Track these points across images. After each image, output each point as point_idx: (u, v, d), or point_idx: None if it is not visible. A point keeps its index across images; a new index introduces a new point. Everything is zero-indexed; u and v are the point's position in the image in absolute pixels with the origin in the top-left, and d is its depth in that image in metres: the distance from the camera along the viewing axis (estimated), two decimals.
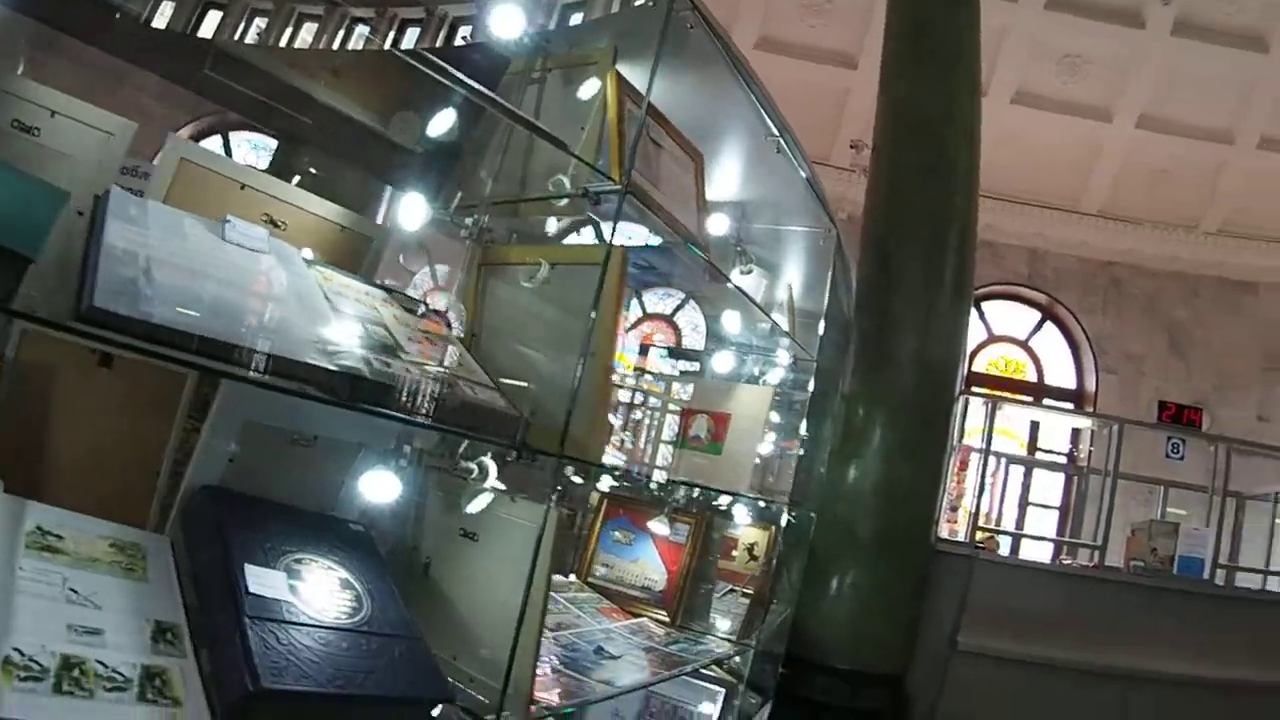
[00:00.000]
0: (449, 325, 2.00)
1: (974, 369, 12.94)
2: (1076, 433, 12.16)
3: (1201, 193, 12.70)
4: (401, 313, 1.96)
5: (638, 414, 4.70)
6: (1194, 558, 6.70)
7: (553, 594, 2.87)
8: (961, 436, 7.38)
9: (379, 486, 2.04)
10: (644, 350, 5.45)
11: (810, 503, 4.95)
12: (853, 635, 5.99)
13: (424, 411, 1.66)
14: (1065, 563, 8.01)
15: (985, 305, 13.34)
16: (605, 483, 3.25)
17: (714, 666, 3.51)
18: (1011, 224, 12.73)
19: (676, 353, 4.72)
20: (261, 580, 1.73)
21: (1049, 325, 13.45)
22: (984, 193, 11.95)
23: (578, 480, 3.33)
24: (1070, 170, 12.63)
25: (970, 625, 6.26)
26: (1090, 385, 12.85)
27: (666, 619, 2.99)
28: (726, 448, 3.03)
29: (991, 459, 8.45)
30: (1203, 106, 11.99)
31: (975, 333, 13.10)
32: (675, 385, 4.82)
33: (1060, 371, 13.33)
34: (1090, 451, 10.55)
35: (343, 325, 1.73)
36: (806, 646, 5.95)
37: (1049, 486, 11.59)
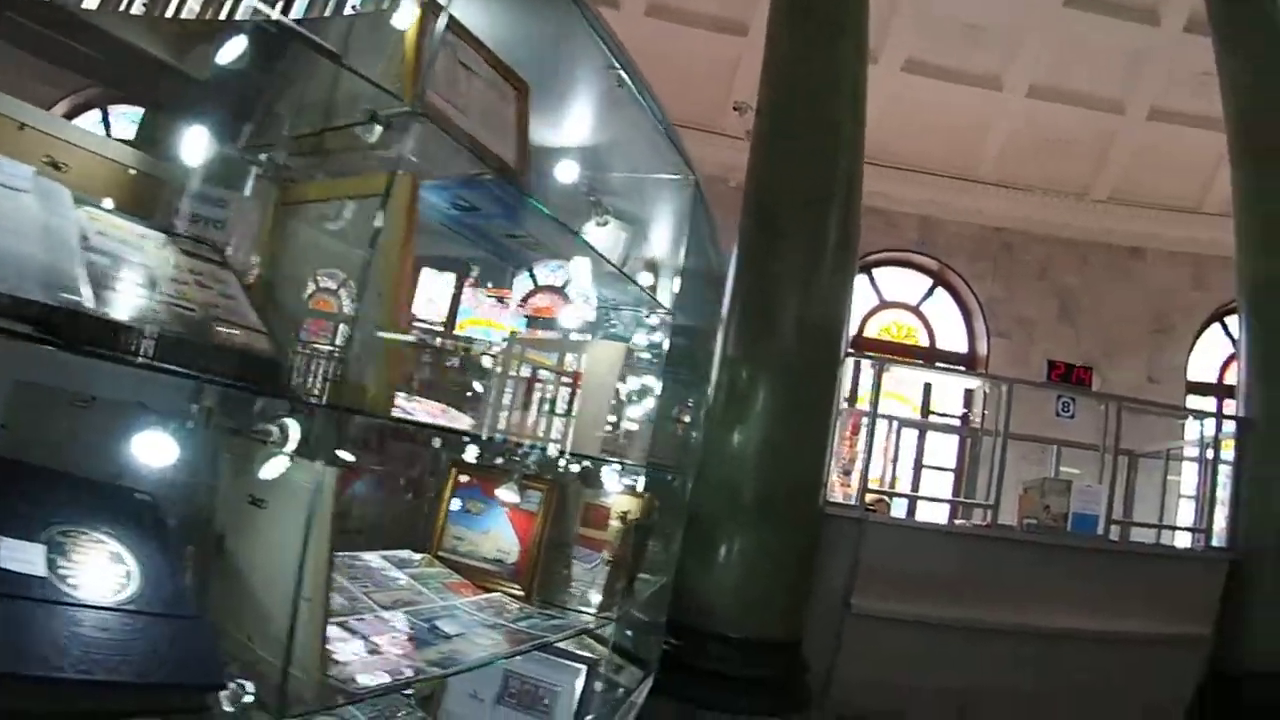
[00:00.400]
0: (226, 266, 1.80)
1: (865, 335, 13.01)
2: (969, 396, 12.44)
3: (1092, 161, 12.93)
4: (180, 256, 1.77)
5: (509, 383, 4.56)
6: (1088, 514, 6.79)
7: (394, 571, 2.71)
8: (853, 401, 7.36)
9: (164, 451, 1.84)
10: (532, 323, 5.25)
11: (687, 467, 4.81)
12: (742, 602, 5.89)
13: (161, 355, 1.47)
14: (959, 523, 8.04)
15: (877, 272, 13.40)
16: (471, 452, 3.09)
17: (588, 641, 3.39)
18: (903, 192, 12.75)
19: (534, 321, 4.50)
20: (16, 554, 1.53)
21: (940, 291, 13.55)
22: (876, 161, 12.13)
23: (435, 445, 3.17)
24: (962, 138, 12.69)
25: (863, 588, 6.25)
26: (982, 349, 12.99)
27: (520, 593, 2.82)
28: (577, 408, 2.88)
29: (886, 423, 8.51)
30: (1094, 77, 12.13)
31: (866, 299, 13.29)
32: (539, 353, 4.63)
33: (952, 336, 13.45)
34: (984, 414, 10.75)
35: (92, 263, 1.53)
36: (698, 615, 5.85)
37: (944, 449, 11.66)
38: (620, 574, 3.15)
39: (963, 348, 13.29)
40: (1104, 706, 6.57)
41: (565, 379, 2.90)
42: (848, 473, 6.97)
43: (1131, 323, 13.12)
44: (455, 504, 3.01)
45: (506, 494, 2.84)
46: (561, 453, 2.93)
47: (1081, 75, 12.13)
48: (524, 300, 3.45)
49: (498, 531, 2.91)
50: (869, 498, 6.87)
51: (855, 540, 6.28)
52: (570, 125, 3.00)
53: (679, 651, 5.75)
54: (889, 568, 6.28)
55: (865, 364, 7.32)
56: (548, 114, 2.87)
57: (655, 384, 3.96)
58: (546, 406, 2.88)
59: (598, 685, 3.43)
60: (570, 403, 2.87)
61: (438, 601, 2.60)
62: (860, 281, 12.99)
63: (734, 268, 6.37)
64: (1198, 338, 13.61)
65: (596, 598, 3.10)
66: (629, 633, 4.06)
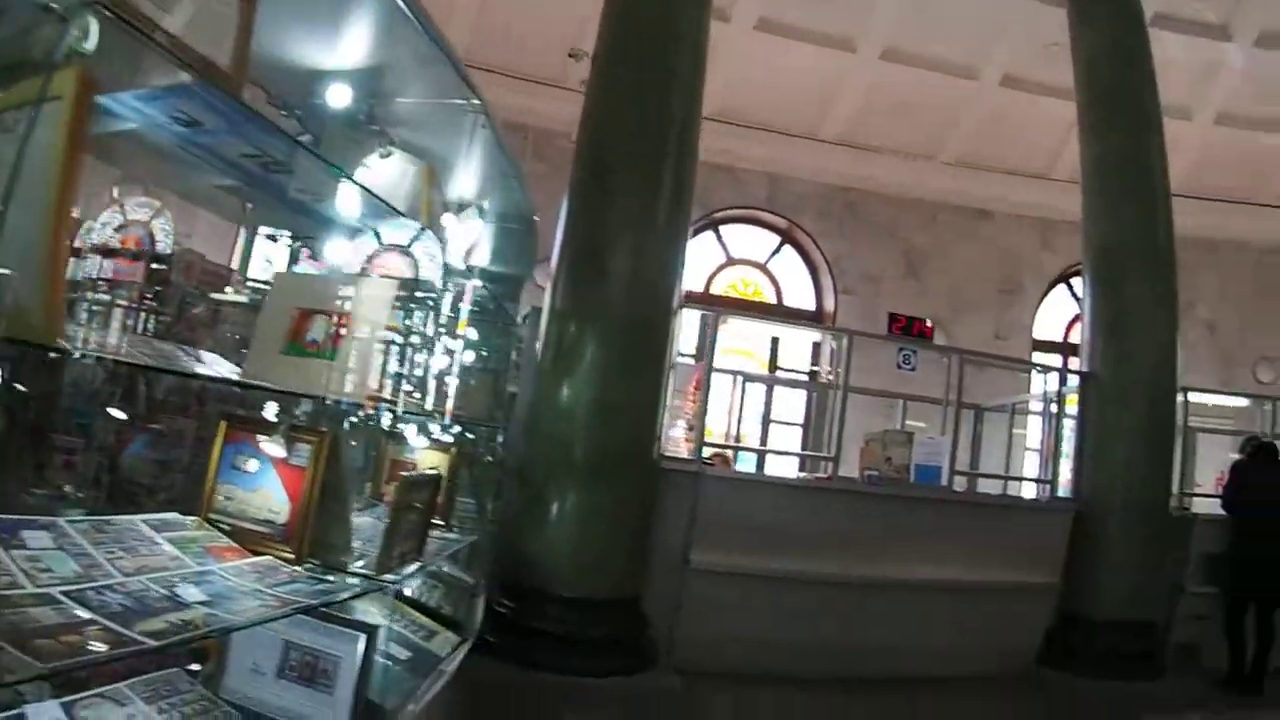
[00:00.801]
0: None
1: (712, 292, 12.92)
2: (817, 351, 12.55)
3: (943, 125, 13.05)
4: None
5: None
6: (930, 466, 6.88)
7: (152, 535, 2.45)
8: (700, 356, 7.26)
9: None
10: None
11: (500, 421, 4.63)
12: (577, 561, 5.79)
13: None
14: (800, 475, 8.05)
15: (724, 229, 13.30)
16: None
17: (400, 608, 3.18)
18: (752, 150, 12.67)
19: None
20: None
21: (788, 248, 13.54)
22: (725, 118, 12.13)
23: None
24: (814, 99, 12.62)
25: (702, 543, 6.18)
26: (829, 306, 13.08)
27: (290, 555, 2.59)
28: (344, 351, 2.64)
29: (731, 377, 8.45)
30: (949, 43, 12.16)
31: (714, 256, 13.23)
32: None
33: (800, 293, 13.48)
34: (835, 372, 10.81)
35: None
36: (533, 575, 5.75)
37: (792, 404, 11.78)
38: (408, 532, 2.93)
39: (810, 305, 13.33)
40: (956, 655, 6.66)
41: (336, 320, 2.67)
42: (691, 428, 6.85)
43: (979, 282, 13.43)
44: (226, 461, 2.76)
45: (271, 447, 2.60)
46: (337, 403, 2.69)
47: (936, 40, 12.14)
48: (370, 260, 3.15)
49: (267, 489, 2.66)
50: (708, 452, 6.79)
51: (692, 494, 6.20)
52: (348, 49, 2.75)
53: (514, 613, 5.67)
54: (728, 522, 6.21)
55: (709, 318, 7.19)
56: (320, 34, 2.64)
57: (460, 334, 3.78)
58: (311, 349, 2.64)
59: (402, 653, 3.24)
60: (338, 347, 2.63)
61: (193, 567, 2.35)
62: (707, 238, 13.08)
63: (564, 217, 6.21)
64: (1044, 297, 14.03)
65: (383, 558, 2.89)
66: (440, 595, 3.89)
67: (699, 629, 6.11)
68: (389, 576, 2.76)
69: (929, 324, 7.39)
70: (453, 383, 3.73)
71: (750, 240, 13.50)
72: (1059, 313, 14.25)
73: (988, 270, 13.56)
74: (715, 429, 8.42)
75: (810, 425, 11.60)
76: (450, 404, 3.69)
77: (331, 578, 2.61)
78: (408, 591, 3.57)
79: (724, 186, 12.63)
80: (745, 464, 8.72)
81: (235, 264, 3.02)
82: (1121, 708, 6.50)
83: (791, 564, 6.26)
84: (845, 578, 6.37)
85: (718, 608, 6.11)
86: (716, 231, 13.24)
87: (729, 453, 7.60)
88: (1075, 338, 13.49)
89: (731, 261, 13.38)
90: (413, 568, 2.93)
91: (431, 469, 3.71)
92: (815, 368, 12.61)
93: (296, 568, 2.56)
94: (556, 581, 5.71)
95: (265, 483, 2.69)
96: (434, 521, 3.66)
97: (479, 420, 4.22)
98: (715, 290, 12.94)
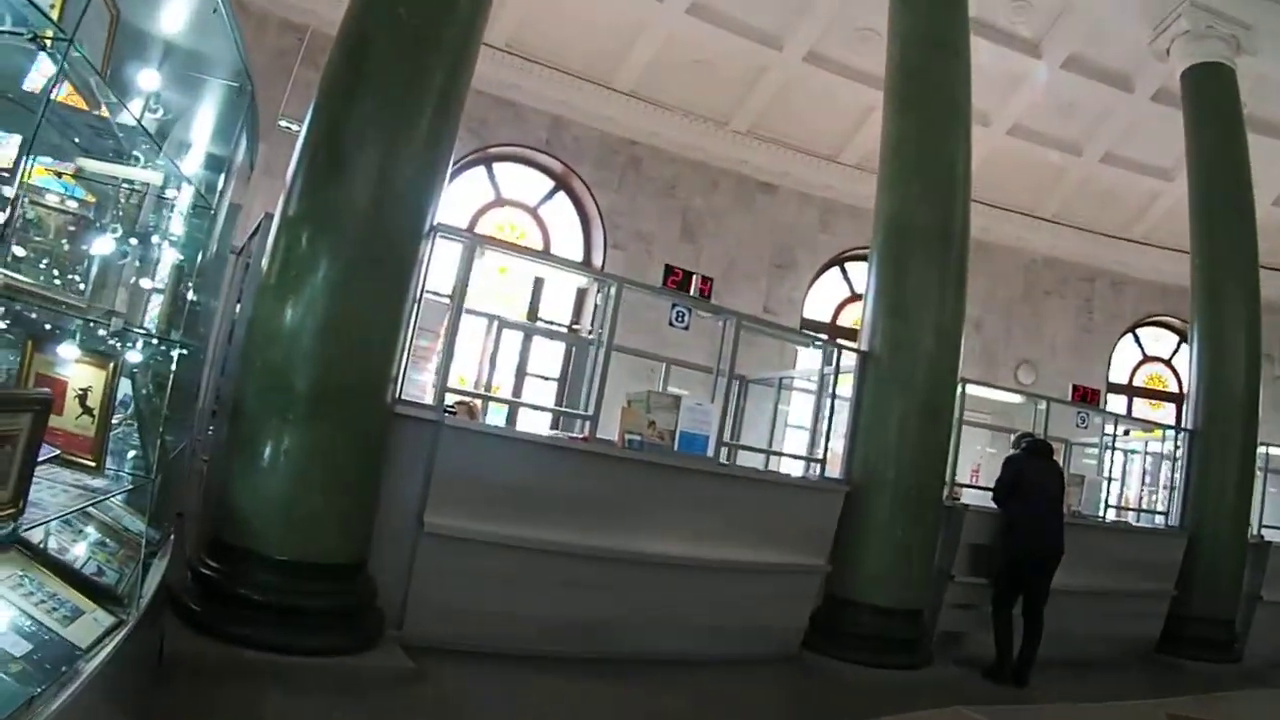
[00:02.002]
0: None
1: (477, 231, 12.07)
2: (580, 305, 12.32)
3: (739, 92, 12.79)
4: None
5: None
6: (697, 434, 6.44)
7: None
8: (455, 297, 6.42)
9: None
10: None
11: (185, 339, 3.69)
12: (290, 517, 4.89)
13: None
14: (553, 433, 7.36)
15: (497, 167, 12.57)
16: None
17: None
18: (538, 87, 12.03)
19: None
20: None
21: (561, 195, 12.94)
22: (514, 50, 11.31)
23: None
24: (610, 43, 12.02)
25: (440, 503, 5.44)
26: (597, 259, 12.59)
27: None
28: None
29: (487, 321, 7.68)
30: (759, 9, 11.82)
31: (484, 193, 12.55)
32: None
33: (568, 244, 12.91)
34: (600, 329, 10.24)
35: None
36: (241, 532, 4.83)
37: (550, 358, 11.18)
38: (11, 477, 2.01)
39: (578, 256, 12.76)
40: (717, 636, 6.36)
41: None
42: (438, 373, 6.01)
43: (754, 253, 13.37)
44: None
45: None
46: None
47: (747, 4, 11.77)
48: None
49: None
50: (452, 399, 5.98)
51: (430, 447, 5.44)
52: None
53: (219, 577, 4.78)
54: (471, 480, 5.51)
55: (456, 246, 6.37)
56: None
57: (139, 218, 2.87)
58: None
59: (18, 644, 2.26)
60: None
61: None
62: (479, 174, 12.38)
63: (310, 109, 5.31)
64: (817, 278, 14.10)
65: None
66: (101, 558, 2.93)
67: (433, 600, 5.40)
68: None
69: (708, 282, 6.84)
70: (119, 276, 2.80)
71: (524, 181, 12.79)
72: (830, 294, 14.40)
73: (763, 243, 13.49)
74: (466, 377, 7.65)
75: (568, 382, 11.01)
76: (111, 301, 2.76)
77: None
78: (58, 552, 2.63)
79: (504, 123, 11.95)
80: (496, 419, 7.95)
81: None
82: (886, 694, 6.27)
83: (542, 531, 5.65)
84: (600, 549, 5.83)
85: (455, 577, 5.41)
86: (489, 168, 12.48)
87: (477, 404, 6.80)
88: (844, 321, 14.10)
89: (501, 201, 12.64)
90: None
91: (84, 389, 2.79)
92: (577, 324, 12.08)
93: None
94: (266, 540, 4.79)
95: None
96: (81, 461, 2.75)
97: (153, 333, 3.29)
98: (482, 230, 12.03)
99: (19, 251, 2.49)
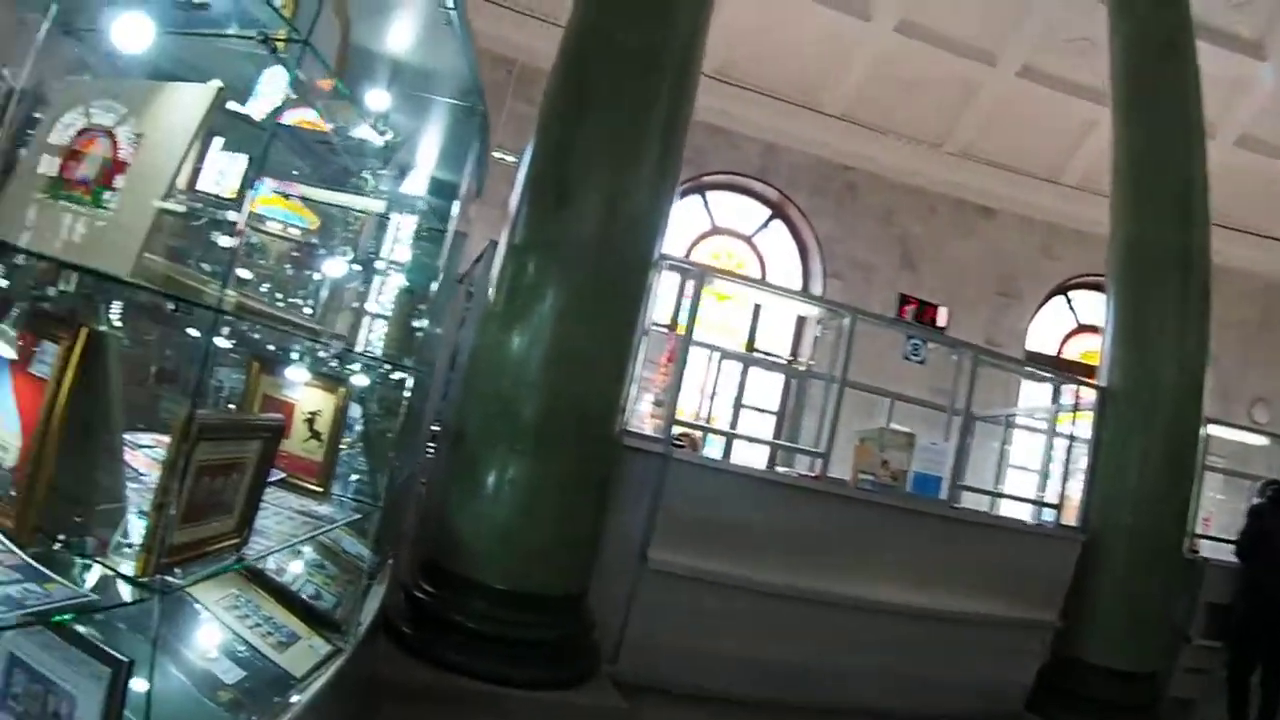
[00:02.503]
0: None
1: (693, 258, 11.97)
2: (798, 337, 12.02)
3: (953, 111, 12.25)
4: None
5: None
6: (930, 475, 6.07)
7: None
8: (674, 325, 6.29)
9: None
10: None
11: (421, 366, 3.63)
12: (512, 546, 4.78)
13: None
14: (783, 470, 7.10)
15: (712, 195, 12.42)
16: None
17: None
18: (750, 113, 11.81)
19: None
20: None
21: (777, 223, 12.67)
22: (724, 77, 11.16)
23: None
24: (820, 66, 11.72)
25: (664, 537, 5.31)
26: (816, 289, 12.20)
27: (9, 523, 1.56)
28: (123, 194, 1.61)
29: (707, 353, 7.53)
30: (968, 21, 11.33)
31: (699, 221, 12.41)
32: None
33: (785, 273, 12.59)
34: (817, 358, 9.95)
35: None
36: (460, 559, 4.77)
37: (767, 390, 10.89)
38: (209, 508, 1.89)
39: (795, 286, 12.38)
40: (935, 690, 5.96)
41: (114, 143, 1.64)
42: (660, 404, 5.88)
43: (976, 281, 12.68)
44: None
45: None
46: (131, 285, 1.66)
47: (956, 18, 11.29)
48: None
49: None
50: (677, 431, 5.81)
51: (658, 479, 5.31)
52: None
53: (434, 602, 4.74)
54: (696, 515, 5.38)
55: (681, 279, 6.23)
56: None
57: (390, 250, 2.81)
58: (76, 190, 1.62)
59: (233, 671, 2.19)
60: (112, 185, 1.61)
61: None
62: (693, 203, 12.26)
63: (534, 138, 5.23)
64: (1041, 307, 13.27)
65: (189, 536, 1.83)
66: (321, 581, 2.86)
67: (650, 638, 5.26)
68: (170, 580, 1.72)
69: (935, 308, 6.43)
70: (345, 301, 2.74)
71: (739, 210, 12.59)
72: (1055, 325, 13.54)
73: (985, 270, 12.78)
74: (685, 407, 7.50)
75: (785, 415, 10.70)
76: (337, 326, 2.69)
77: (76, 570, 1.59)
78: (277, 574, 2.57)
79: (717, 149, 11.76)
80: (711, 451, 7.76)
81: None
82: None
83: (766, 571, 5.45)
84: (823, 593, 5.56)
85: (675, 614, 5.27)
86: (703, 196, 12.34)
87: (697, 435, 6.65)
88: (1069, 353, 13.20)
89: (716, 230, 12.50)
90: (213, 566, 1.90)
91: (312, 413, 2.72)
92: (795, 356, 11.79)
93: (13, 547, 1.55)
94: (486, 568, 4.71)
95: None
96: (307, 486, 2.68)
97: (385, 358, 3.23)
98: (698, 258, 11.86)
99: (244, 274, 2.44)
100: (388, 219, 3.16)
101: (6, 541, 1.54)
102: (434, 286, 3.51)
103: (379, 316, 3.31)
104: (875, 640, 5.71)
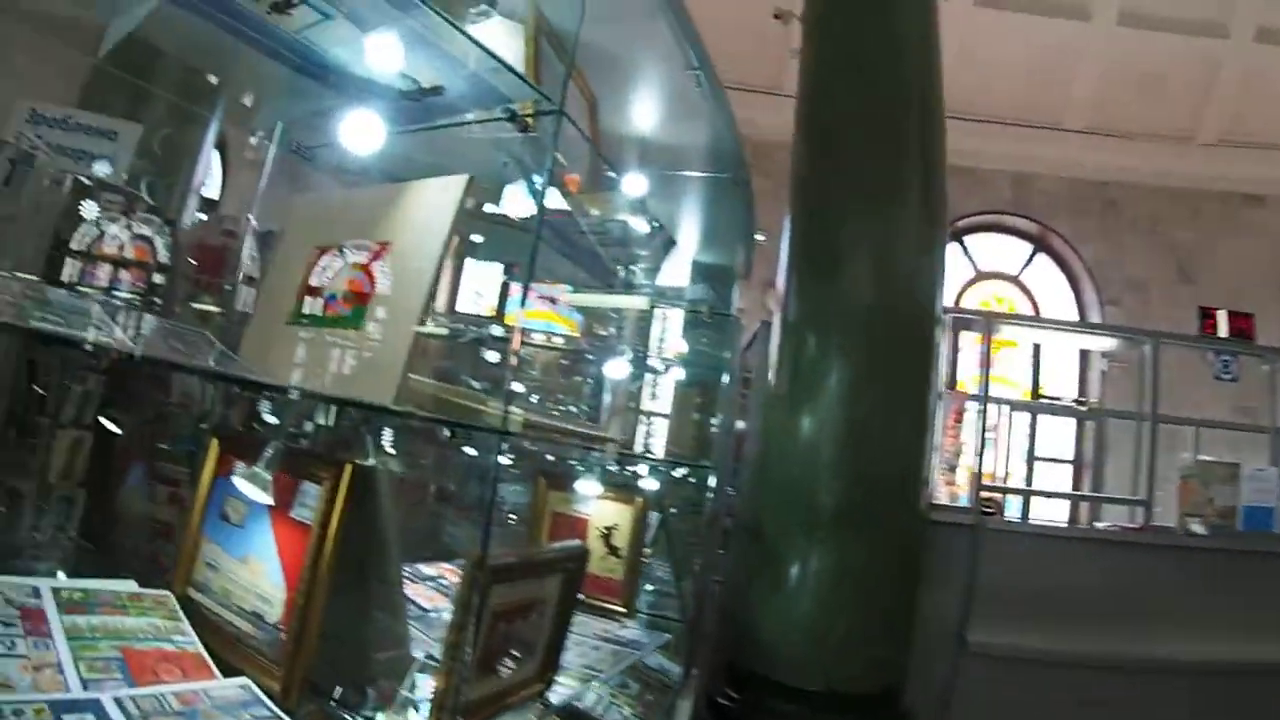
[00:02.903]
0: None
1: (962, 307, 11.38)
2: (1083, 376, 11.09)
3: (1196, 97, 11.17)
4: None
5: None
6: (1259, 507, 5.28)
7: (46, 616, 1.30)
8: (953, 384, 5.83)
9: None
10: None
11: (716, 461, 3.34)
12: (815, 643, 4.37)
13: None
14: (1103, 526, 6.40)
15: (969, 239, 11.80)
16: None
17: None
18: (990, 146, 11.13)
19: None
20: None
21: (1041, 257, 11.91)
22: (955, 114, 10.50)
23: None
24: (1050, 80, 11.08)
25: (984, 615, 4.85)
26: (1094, 319, 11.25)
27: (276, 684, 1.35)
28: (376, 313, 1.40)
29: (995, 407, 6.95)
30: None
31: (961, 270, 11.76)
32: None
33: (1058, 308, 11.75)
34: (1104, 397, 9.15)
35: None
36: (761, 658, 4.43)
37: (1057, 438, 10.05)
38: (508, 652, 1.63)
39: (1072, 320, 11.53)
40: None
41: (370, 255, 1.43)
42: (953, 468, 5.39)
43: (1256, 278, 11.15)
44: (216, 504, 1.57)
45: (249, 484, 1.38)
46: (407, 415, 1.44)
47: None
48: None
49: (257, 557, 1.46)
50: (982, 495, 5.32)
51: (969, 552, 4.85)
52: None
53: (737, 708, 4.44)
54: (1016, 587, 4.87)
55: (963, 334, 5.80)
56: None
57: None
58: (331, 313, 1.42)
59: None
60: (367, 305, 1.40)
61: (72, 690, 1.19)
62: (951, 250, 11.48)
63: (790, 210, 4.96)
64: None
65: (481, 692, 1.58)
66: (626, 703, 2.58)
67: None
68: None
69: (1248, 317, 5.67)
70: (623, 399, 2.51)
71: (998, 250, 11.94)
72: None
73: (1264, 264, 11.29)
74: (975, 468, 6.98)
75: (1084, 463, 9.87)
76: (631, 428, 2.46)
77: None
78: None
79: (964, 191, 10.96)
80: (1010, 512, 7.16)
81: None
82: None
83: (1103, 644, 4.86)
84: (1166, 661, 4.89)
85: (1002, 699, 4.72)
86: (960, 242, 11.75)
87: (999, 498, 6.11)
88: None
89: (980, 276, 11.87)
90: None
91: (608, 527, 2.48)
92: (1081, 399, 10.86)
93: (279, 711, 1.33)
94: (790, 668, 4.33)
95: (257, 545, 1.49)
96: (608, 607, 2.42)
97: (680, 457, 2.97)
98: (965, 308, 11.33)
99: (518, 388, 2.25)
100: (657, 312, 2.93)
101: (272, 706, 1.33)
102: (724, 378, 3.24)
103: (656, 415, 3.08)
104: (1199, 704, 4.94)
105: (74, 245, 1.75)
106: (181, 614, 1.50)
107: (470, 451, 2.04)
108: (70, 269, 1.71)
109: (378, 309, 1.41)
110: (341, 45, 1.67)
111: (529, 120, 1.59)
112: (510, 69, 1.48)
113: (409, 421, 1.53)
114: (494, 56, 1.44)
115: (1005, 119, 11.19)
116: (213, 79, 1.98)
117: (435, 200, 1.46)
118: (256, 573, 1.45)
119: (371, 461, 1.44)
